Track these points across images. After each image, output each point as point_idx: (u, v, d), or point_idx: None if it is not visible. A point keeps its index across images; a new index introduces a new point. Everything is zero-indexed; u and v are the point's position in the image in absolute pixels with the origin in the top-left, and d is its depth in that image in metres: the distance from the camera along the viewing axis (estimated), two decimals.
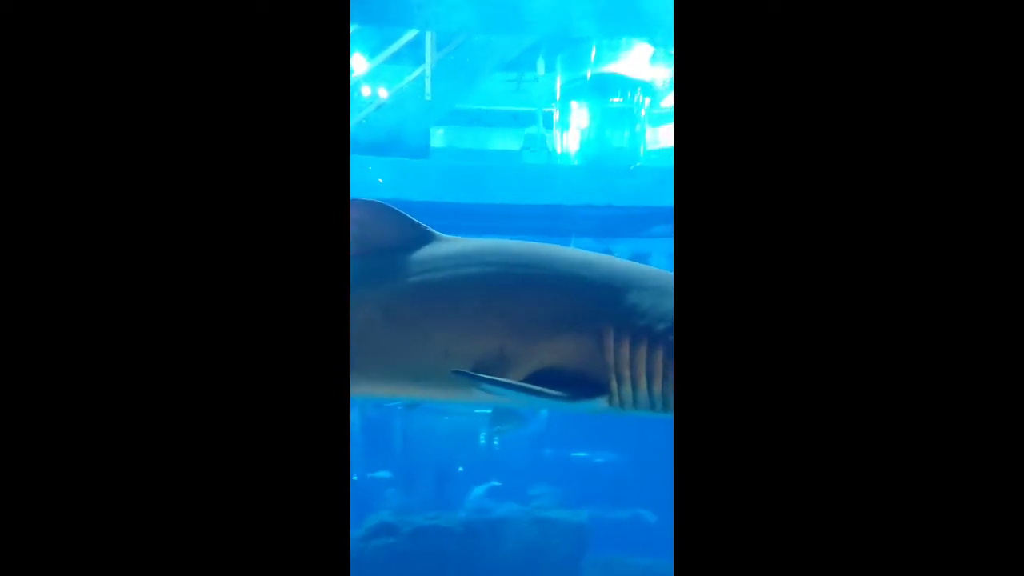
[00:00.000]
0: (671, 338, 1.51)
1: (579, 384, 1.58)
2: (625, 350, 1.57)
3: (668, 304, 1.57)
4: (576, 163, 7.17)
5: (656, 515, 7.28)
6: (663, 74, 6.79)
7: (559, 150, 7.43)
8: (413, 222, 1.97)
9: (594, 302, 1.68)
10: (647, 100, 6.87)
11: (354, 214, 1.93)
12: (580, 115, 7.21)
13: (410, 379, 1.82)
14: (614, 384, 1.58)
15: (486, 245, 1.95)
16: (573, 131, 7.27)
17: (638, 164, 6.87)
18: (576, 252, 1.94)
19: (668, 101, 7.06)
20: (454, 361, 1.70)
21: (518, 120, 7.75)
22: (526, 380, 1.62)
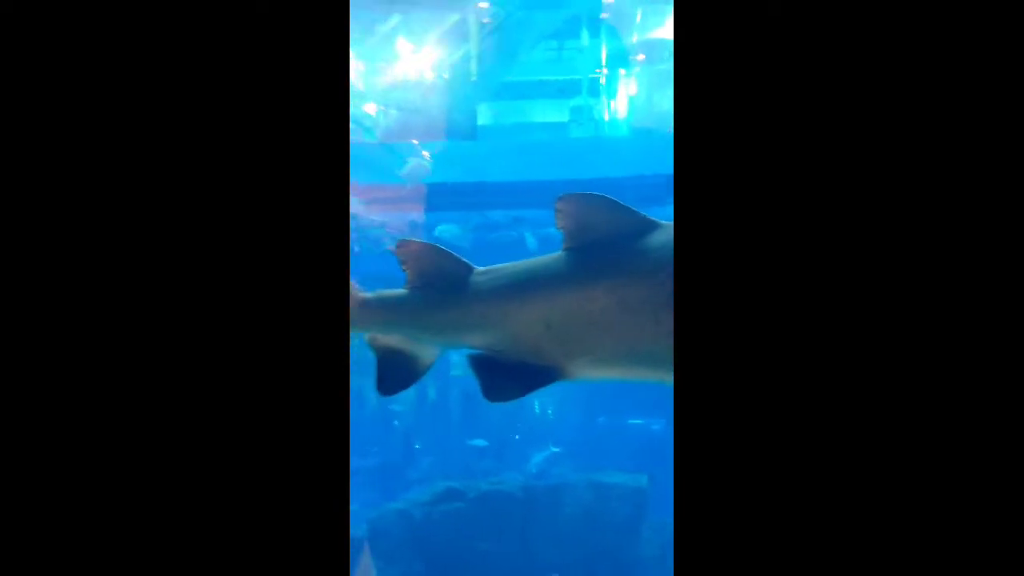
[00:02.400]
0: None
1: None
2: None
3: None
4: (626, 133, 7.09)
5: None
6: None
7: (607, 118, 7.36)
8: (631, 211, 2.04)
9: None
10: None
11: (570, 208, 2.04)
12: (628, 82, 7.11)
13: (642, 362, 1.95)
14: None
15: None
16: (621, 99, 7.18)
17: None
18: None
19: None
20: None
21: (564, 91, 7.69)
22: None
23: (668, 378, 1.94)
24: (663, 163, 6.16)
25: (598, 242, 2.03)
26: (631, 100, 7.30)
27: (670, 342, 1.79)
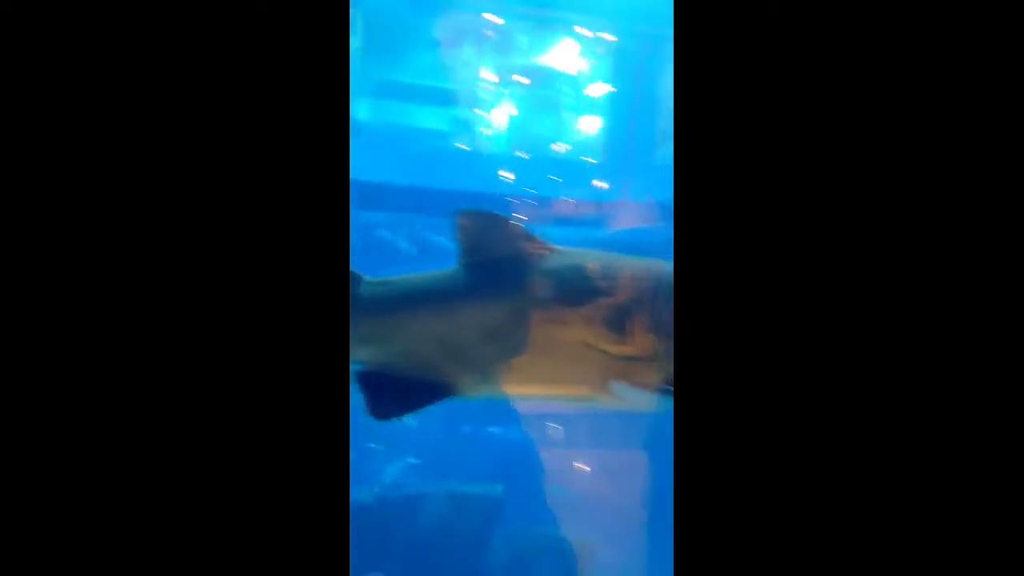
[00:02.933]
0: None
1: None
2: None
3: None
4: (505, 150, 7.28)
5: (569, 489, 7.68)
6: (586, 66, 7.00)
7: (488, 133, 7.49)
8: (529, 232, 2.05)
9: None
10: (571, 91, 7.08)
11: (470, 223, 2.01)
12: (509, 104, 7.30)
13: (543, 381, 1.96)
14: None
15: (603, 257, 2.08)
16: (502, 118, 7.35)
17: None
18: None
19: (592, 90, 7.28)
20: (589, 366, 1.89)
21: (447, 99, 7.71)
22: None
23: (562, 392, 2.02)
24: (539, 183, 6.40)
25: (495, 260, 2.03)
26: (512, 120, 7.50)
27: (569, 359, 1.88)
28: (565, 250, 2.17)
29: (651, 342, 1.87)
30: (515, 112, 7.46)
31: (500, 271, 2.09)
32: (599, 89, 7.18)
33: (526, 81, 7.06)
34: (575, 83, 7.08)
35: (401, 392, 2.00)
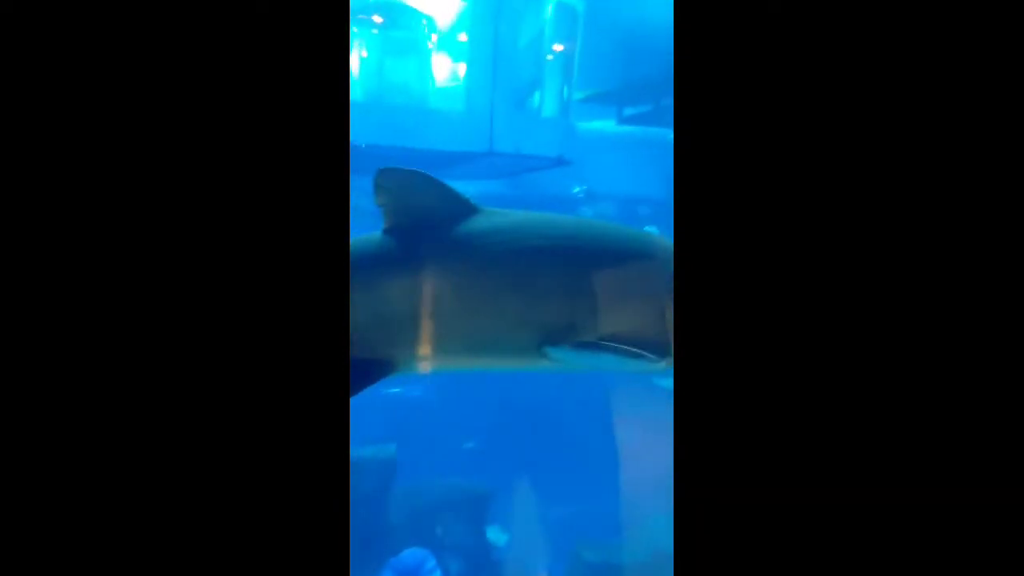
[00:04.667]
0: None
1: (650, 347, 1.73)
2: None
3: None
4: (360, 98, 6.69)
5: (473, 441, 7.73)
6: (451, 8, 6.61)
7: None
8: (454, 193, 1.86)
9: (650, 270, 1.82)
10: (434, 36, 6.65)
11: (391, 184, 1.80)
12: (360, 44, 6.68)
13: (481, 350, 1.81)
14: (673, 347, 1.75)
15: (536, 217, 1.93)
16: (353, 62, 6.72)
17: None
18: (616, 225, 2.05)
19: (454, 33, 6.92)
20: (528, 331, 1.77)
21: None
22: (590, 345, 1.75)
23: (509, 364, 1.91)
24: (394, 134, 6.00)
25: (422, 224, 1.84)
26: (363, 62, 6.89)
27: (511, 328, 1.78)
28: (493, 211, 2.01)
29: (585, 303, 1.80)
30: (365, 54, 6.85)
31: (427, 235, 1.91)
32: (461, 34, 6.83)
33: (378, 19, 6.47)
34: (434, 25, 6.64)
35: None
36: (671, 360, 1.78)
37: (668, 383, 7.65)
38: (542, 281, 1.82)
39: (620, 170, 8.12)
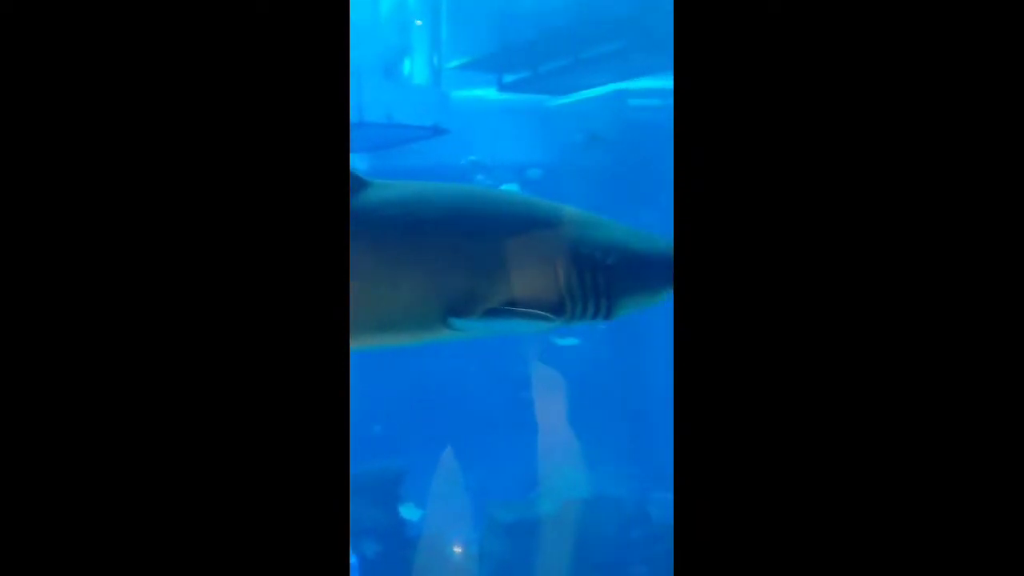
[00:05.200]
0: (608, 261, 1.86)
1: (546, 307, 1.82)
2: (574, 276, 1.83)
3: (596, 233, 1.91)
4: None
5: (380, 424, 7.60)
6: None
7: None
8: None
9: (541, 234, 1.88)
10: None
11: None
12: None
13: (385, 327, 1.79)
14: (569, 304, 1.86)
15: (428, 188, 1.90)
16: None
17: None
18: (509, 192, 2.08)
19: None
20: (431, 304, 1.78)
21: None
22: (495, 312, 1.79)
23: (413, 339, 1.89)
24: None
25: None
26: None
27: (414, 303, 1.76)
28: (383, 183, 1.98)
29: (484, 271, 1.82)
30: None
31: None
32: None
33: None
34: None
35: None
36: (566, 317, 1.87)
37: (566, 341, 7.91)
38: (441, 252, 1.82)
39: (504, 137, 8.13)
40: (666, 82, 7.35)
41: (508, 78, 6.91)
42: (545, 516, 6.22)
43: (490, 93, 7.37)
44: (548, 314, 1.81)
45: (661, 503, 6.54)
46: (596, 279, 1.86)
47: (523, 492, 6.75)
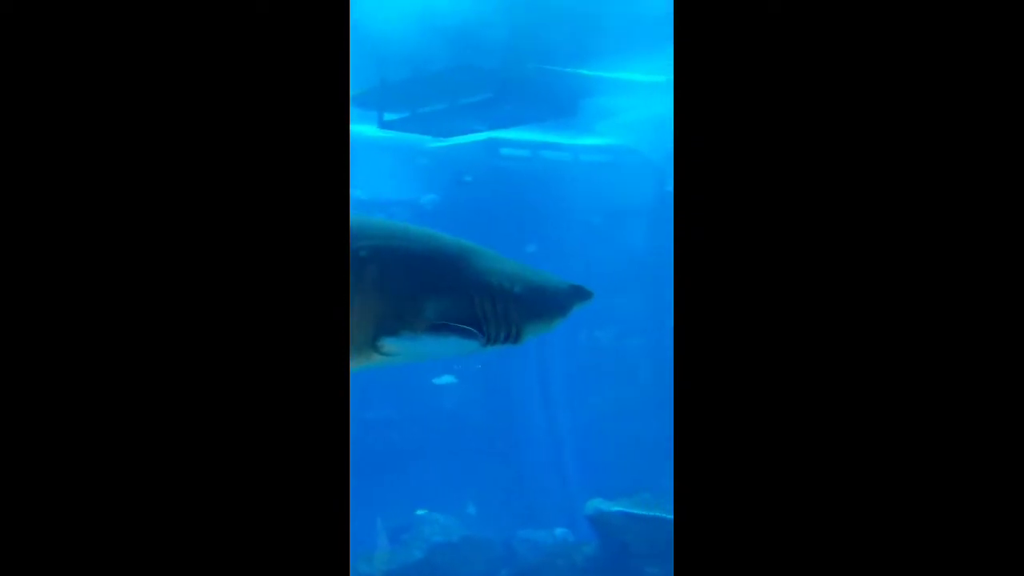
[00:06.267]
0: (516, 290, 2.05)
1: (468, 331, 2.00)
2: (487, 302, 2.02)
3: (501, 265, 2.10)
4: None
5: None
6: None
7: None
8: None
9: (457, 263, 2.06)
10: None
11: None
12: None
13: None
14: (485, 328, 2.04)
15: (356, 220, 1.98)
16: None
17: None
18: (418, 226, 2.19)
19: None
20: (358, 327, 1.86)
21: None
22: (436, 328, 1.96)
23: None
24: None
25: None
26: None
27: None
28: None
29: (410, 299, 1.95)
30: None
31: None
32: None
33: None
34: None
35: None
36: (483, 340, 2.03)
37: (442, 380, 7.89)
38: (371, 283, 1.94)
39: (384, 175, 8.12)
40: (536, 135, 7.70)
41: (389, 116, 6.94)
42: (412, 564, 6.07)
43: (371, 129, 7.37)
44: (477, 332, 1.98)
45: (528, 542, 6.57)
46: (507, 306, 2.06)
47: (391, 539, 6.56)
